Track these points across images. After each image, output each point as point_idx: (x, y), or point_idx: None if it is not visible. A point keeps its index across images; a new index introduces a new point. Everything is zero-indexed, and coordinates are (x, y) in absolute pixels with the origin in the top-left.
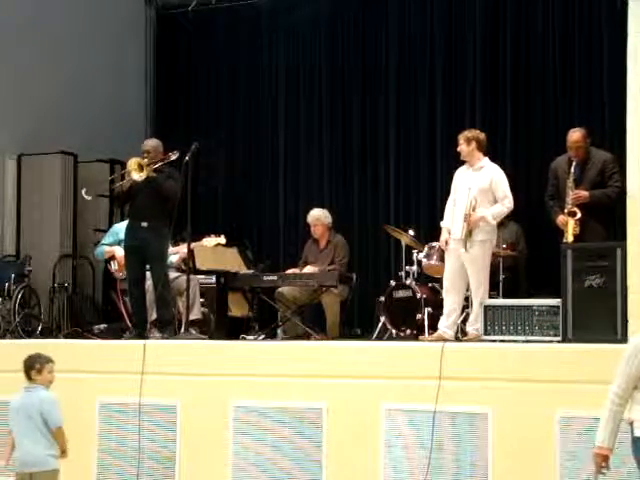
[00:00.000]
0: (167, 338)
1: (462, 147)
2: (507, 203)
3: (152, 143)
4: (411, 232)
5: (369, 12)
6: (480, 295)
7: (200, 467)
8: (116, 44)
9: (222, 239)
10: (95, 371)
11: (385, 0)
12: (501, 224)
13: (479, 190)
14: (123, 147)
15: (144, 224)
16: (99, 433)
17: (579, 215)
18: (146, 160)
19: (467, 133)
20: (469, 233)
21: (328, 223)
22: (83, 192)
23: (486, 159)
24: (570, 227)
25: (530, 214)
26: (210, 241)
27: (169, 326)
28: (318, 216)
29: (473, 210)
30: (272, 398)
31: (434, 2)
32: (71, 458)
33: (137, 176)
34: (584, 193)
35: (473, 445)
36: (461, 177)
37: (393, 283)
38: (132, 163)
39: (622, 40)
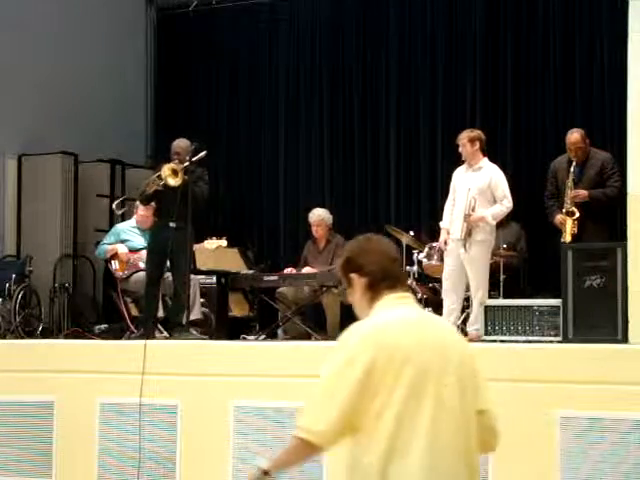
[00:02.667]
0: (169, 338)
1: (466, 148)
2: (506, 203)
3: (182, 144)
4: (411, 232)
5: (370, 11)
6: (480, 295)
7: (200, 467)
8: (116, 44)
9: (224, 242)
10: (95, 371)
11: (386, 0)
12: (501, 224)
13: (478, 190)
14: (123, 147)
15: (172, 225)
16: (99, 433)
17: (577, 215)
18: (180, 164)
19: (470, 133)
20: (468, 233)
21: (330, 223)
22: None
23: (485, 159)
24: (568, 227)
25: (530, 214)
26: (212, 243)
27: (178, 327)
28: (322, 216)
29: (472, 210)
30: (272, 398)
31: (434, 2)
32: (71, 458)
33: (173, 182)
34: (583, 192)
35: None
36: (460, 177)
37: None
38: (166, 169)
39: (622, 40)
